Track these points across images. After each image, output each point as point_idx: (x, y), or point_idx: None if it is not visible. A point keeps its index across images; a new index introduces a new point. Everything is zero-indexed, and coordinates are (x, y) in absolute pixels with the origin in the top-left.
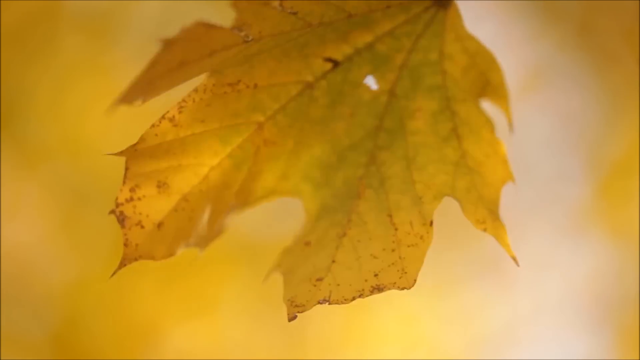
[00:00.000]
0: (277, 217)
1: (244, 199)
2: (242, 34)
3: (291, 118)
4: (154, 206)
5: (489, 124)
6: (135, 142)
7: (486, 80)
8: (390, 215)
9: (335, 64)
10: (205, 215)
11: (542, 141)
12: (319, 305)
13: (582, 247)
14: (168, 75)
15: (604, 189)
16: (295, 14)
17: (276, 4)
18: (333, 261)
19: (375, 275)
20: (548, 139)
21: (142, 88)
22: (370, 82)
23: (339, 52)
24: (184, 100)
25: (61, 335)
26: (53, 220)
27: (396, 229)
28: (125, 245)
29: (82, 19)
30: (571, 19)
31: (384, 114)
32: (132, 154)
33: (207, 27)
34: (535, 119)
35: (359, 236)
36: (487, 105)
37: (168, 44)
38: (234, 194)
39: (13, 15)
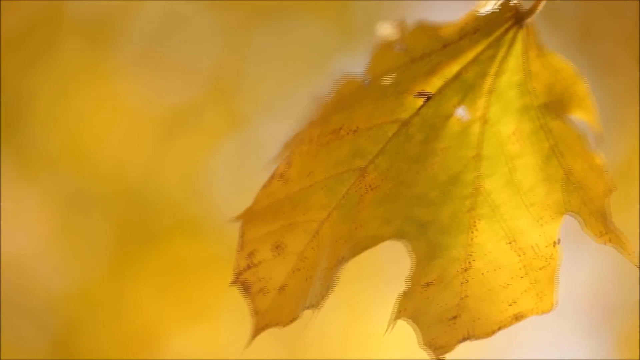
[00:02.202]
0: None
1: (352, 250)
2: (365, 78)
3: (390, 159)
4: (273, 270)
5: (581, 138)
6: (250, 204)
7: (571, 94)
8: (512, 242)
9: (427, 97)
10: (320, 272)
11: None
12: (318, 312)
13: (582, 252)
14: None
15: None
16: (405, 49)
17: (400, 45)
18: (462, 297)
19: (511, 304)
20: None
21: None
22: (461, 112)
23: (430, 85)
24: (291, 155)
25: (62, 342)
26: (53, 226)
27: (521, 255)
28: (255, 314)
29: (82, 24)
30: (571, 24)
31: (480, 143)
32: (248, 217)
33: (346, 79)
34: None
35: (484, 268)
36: (575, 119)
37: (318, 101)
38: (342, 246)
39: (13, 21)
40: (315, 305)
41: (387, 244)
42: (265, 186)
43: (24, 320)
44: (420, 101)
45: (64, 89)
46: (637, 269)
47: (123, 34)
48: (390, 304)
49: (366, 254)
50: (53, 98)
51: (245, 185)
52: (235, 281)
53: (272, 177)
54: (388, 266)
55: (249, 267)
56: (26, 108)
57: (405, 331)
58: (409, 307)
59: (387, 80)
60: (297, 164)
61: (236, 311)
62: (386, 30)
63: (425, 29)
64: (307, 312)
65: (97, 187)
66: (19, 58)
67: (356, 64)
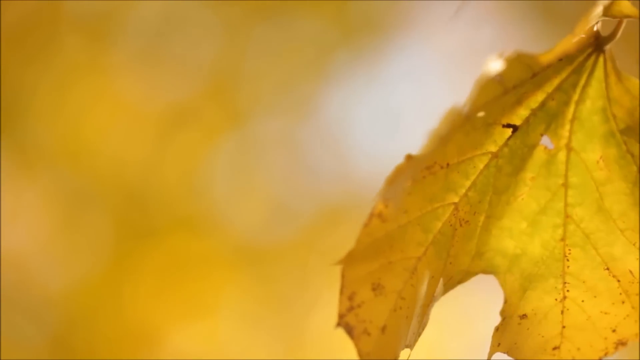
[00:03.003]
0: (276, 221)
1: (445, 285)
2: (465, 109)
3: (481, 193)
4: (374, 310)
5: None
6: (351, 248)
7: None
8: (607, 269)
9: (514, 128)
10: (418, 311)
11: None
12: (318, 309)
13: None
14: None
15: None
16: (501, 80)
17: (498, 77)
18: (563, 327)
19: (613, 330)
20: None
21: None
22: (546, 141)
23: (516, 116)
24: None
25: (60, 338)
26: (52, 223)
27: (618, 281)
28: (361, 355)
29: (82, 21)
30: (570, 21)
31: (567, 171)
32: (349, 259)
33: (455, 113)
34: None
35: (581, 296)
36: None
37: (431, 136)
38: (437, 283)
39: (12, 17)
40: (411, 344)
41: None
42: (365, 226)
43: (23, 316)
44: (509, 132)
45: (63, 86)
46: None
47: (122, 30)
48: None
49: None
50: (52, 94)
51: (245, 182)
52: (339, 324)
53: (371, 216)
54: None
55: (351, 309)
56: (25, 104)
57: None
58: (505, 341)
59: (482, 113)
60: (394, 202)
61: (235, 309)
62: (494, 63)
63: (523, 59)
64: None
65: (96, 183)
66: (18, 54)
67: (355, 61)
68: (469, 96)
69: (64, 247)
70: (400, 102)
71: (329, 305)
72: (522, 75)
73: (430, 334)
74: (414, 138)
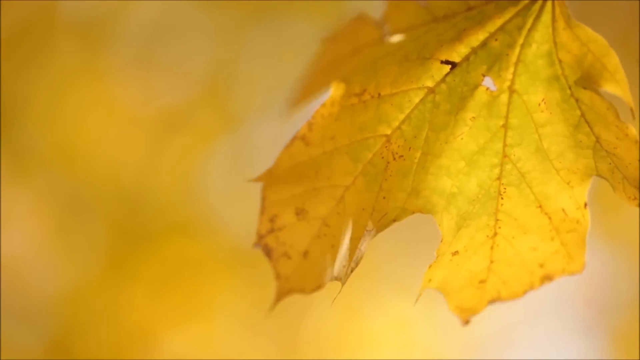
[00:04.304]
0: None
1: (380, 221)
2: (384, 28)
3: (416, 128)
4: (296, 235)
5: (612, 109)
6: (270, 165)
7: (602, 66)
8: (540, 207)
9: (453, 65)
10: (346, 241)
11: None
12: (313, 311)
13: None
14: (321, 78)
15: (598, 193)
16: (426, 6)
17: (422, 1)
18: (491, 262)
19: (541, 265)
20: None
21: (302, 92)
22: (488, 82)
23: (455, 52)
24: (313, 117)
25: (57, 342)
26: (48, 228)
27: (550, 218)
28: (278, 277)
29: (77, 25)
30: None
31: (508, 112)
32: (269, 179)
33: (361, 22)
34: None
35: (512, 233)
36: (605, 92)
37: (327, 41)
38: (369, 216)
39: (7, 22)
40: (342, 278)
41: (382, 247)
42: (287, 147)
43: (20, 321)
44: (447, 68)
45: (58, 91)
46: (630, 268)
47: (117, 35)
48: (384, 303)
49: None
50: (47, 99)
51: (240, 185)
52: (257, 244)
53: (294, 138)
54: (382, 265)
55: (271, 231)
56: (21, 109)
57: (401, 334)
58: (437, 277)
59: (409, 39)
60: (319, 127)
61: (230, 311)
62: None
63: None
64: (334, 284)
65: (92, 188)
66: (13, 60)
67: None
68: (385, 13)
69: (60, 252)
70: None
71: (323, 306)
72: (454, 6)
73: (428, 334)
74: None
